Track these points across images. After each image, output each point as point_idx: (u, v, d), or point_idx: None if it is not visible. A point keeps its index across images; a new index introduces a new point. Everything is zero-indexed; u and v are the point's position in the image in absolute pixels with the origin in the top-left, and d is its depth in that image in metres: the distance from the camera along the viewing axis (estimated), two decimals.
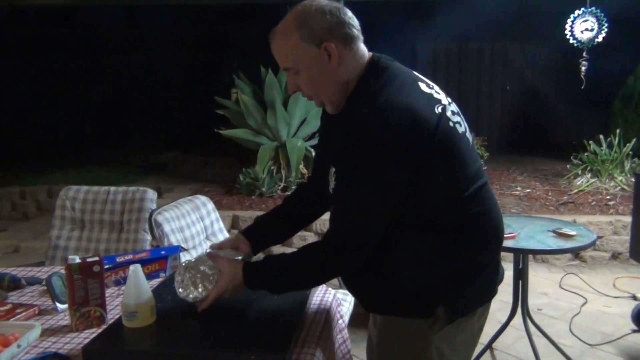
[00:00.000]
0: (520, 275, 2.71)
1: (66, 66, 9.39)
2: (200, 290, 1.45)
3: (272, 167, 5.60)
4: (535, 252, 2.70)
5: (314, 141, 6.00)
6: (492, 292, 1.48)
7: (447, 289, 1.35)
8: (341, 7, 1.35)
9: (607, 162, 5.55)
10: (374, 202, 1.27)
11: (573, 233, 2.64)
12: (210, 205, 2.65)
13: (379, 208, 1.28)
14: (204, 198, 2.67)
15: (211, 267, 1.47)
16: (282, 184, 5.50)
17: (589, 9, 4.38)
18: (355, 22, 1.36)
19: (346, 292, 2.51)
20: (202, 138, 7.75)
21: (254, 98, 5.80)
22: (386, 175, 1.26)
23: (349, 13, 1.36)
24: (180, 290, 1.48)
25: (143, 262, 1.90)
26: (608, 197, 5.14)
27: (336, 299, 1.80)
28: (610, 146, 5.63)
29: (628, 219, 4.40)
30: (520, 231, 2.71)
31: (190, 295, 1.46)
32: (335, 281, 2.94)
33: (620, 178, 5.44)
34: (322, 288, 1.81)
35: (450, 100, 1.40)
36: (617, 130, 5.74)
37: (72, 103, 9.34)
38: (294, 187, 5.51)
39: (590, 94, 5.31)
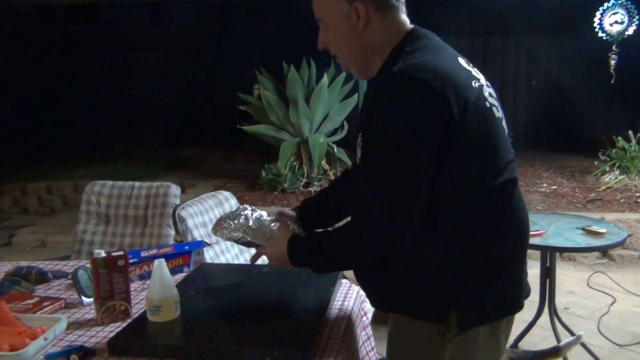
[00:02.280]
0: (548, 274, 2.66)
1: (90, 63, 9.51)
2: (238, 234, 1.50)
3: (294, 163, 5.60)
4: (564, 250, 2.64)
5: (336, 137, 5.97)
6: (516, 305, 1.35)
7: (461, 292, 1.24)
8: None
9: (637, 158, 5.41)
10: (398, 171, 1.17)
11: (603, 231, 2.57)
12: (233, 201, 2.65)
13: (402, 177, 1.17)
14: (227, 193, 2.67)
15: (263, 224, 1.51)
16: (304, 180, 5.49)
17: (619, 1, 4.26)
18: None
19: None
20: (225, 134, 7.77)
21: (276, 94, 5.80)
22: (412, 142, 1.15)
23: None
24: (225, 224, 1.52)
25: (167, 257, 1.90)
26: (637, 194, 5.02)
27: (360, 296, 1.78)
28: (639, 142, 5.49)
29: None
30: (548, 228, 2.65)
31: (233, 234, 1.51)
32: None
33: None
34: (345, 285, 1.79)
35: (488, 83, 1.33)
36: None
37: (96, 99, 9.45)
38: (315, 184, 5.50)
39: (620, 89, 5.18)
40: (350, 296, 1.72)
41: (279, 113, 5.73)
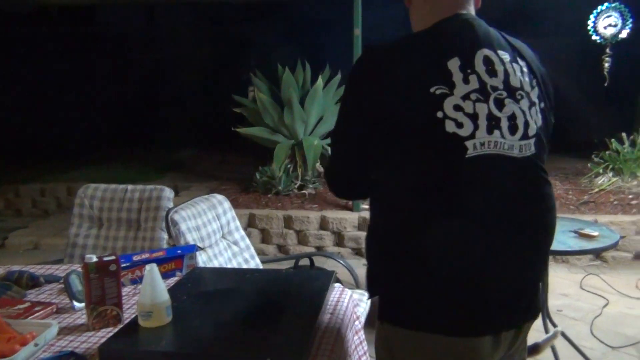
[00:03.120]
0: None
1: (85, 65, 9.49)
2: None
3: (288, 166, 5.59)
4: (556, 253, 2.65)
5: None
6: (455, 327, 1.16)
7: (385, 281, 1.24)
8: None
9: (630, 160, 5.44)
10: (339, 130, 1.30)
11: (595, 234, 2.58)
12: (227, 204, 2.65)
13: (343, 136, 1.30)
14: (220, 197, 2.66)
15: None
16: (299, 183, 5.49)
17: (613, 4, 4.29)
18: None
19: (362, 292, 2.49)
20: (219, 136, 7.77)
21: (271, 96, 5.80)
22: (344, 104, 1.28)
23: None
24: None
25: (159, 261, 1.90)
26: (630, 196, 5.04)
27: (352, 300, 1.78)
28: (633, 144, 5.51)
29: None
30: None
31: None
32: (351, 280, 2.93)
33: None
34: (338, 289, 1.79)
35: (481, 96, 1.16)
36: None
37: (90, 101, 9.44)
38: (310, 186, 5.50)
39: (613, 91, 5.21)
40: (343, 300, 1.72)
41: (274, 115, 5.73)
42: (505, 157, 1.16)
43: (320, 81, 5.65)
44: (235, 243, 2.60)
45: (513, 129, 1.17)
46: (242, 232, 2.68)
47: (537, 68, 1.28)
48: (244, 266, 2.53)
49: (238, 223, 2.68)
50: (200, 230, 2.38)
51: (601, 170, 5.58)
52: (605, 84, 4.37)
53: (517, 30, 1.42)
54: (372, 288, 1.30)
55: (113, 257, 1.57)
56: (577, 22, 4.74)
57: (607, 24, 4.39)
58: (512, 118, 1.17)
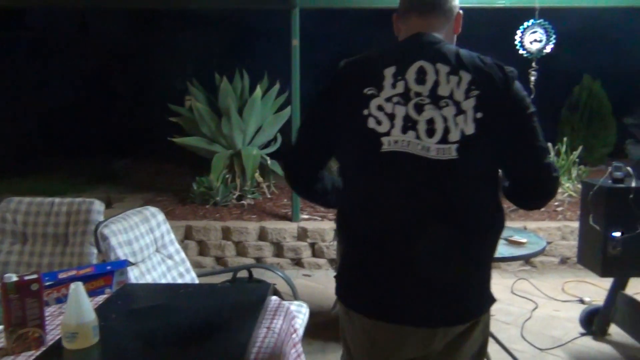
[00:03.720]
0: None
1: (12, 70, 9.04)
2: None
3: (226, 176, 5.52)
4: None
5: (270, 149, 5.95)
6: (382, 313, 1.31)
7: (340, 266, 1.45)
8: None
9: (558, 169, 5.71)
10: (302, 125, 1.47)
11: (524, 240, 2.69)
12: (161, 217, 2.57)
13: (304, 130, 1.46)
14: (153, 209, 2.58)
15: None
16: (237, 193, 5.43)
17: (538, 21, 4.50)
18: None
19: (300, 303, 2.47)
20: (155, 146, 7.59)
21: (208, 105, 5.72)
22: (312, 104, 1.44)
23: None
24: None
25: (87, 278, 1.82)
26: (556, 203, 5.29)
27: (290, 313, 1.77)
28: (558, 154, 5.80)
29: (575, 225, 4.53)
30: None
31: None
32: (290, 292, 2.90)
33: (567, 185, 5.62)
34: (275, 302, 1.77)
35: (401, 99, 1.30)
36: (564, 139, 5.93)
37: (18, 109, 8.98)
38: (249, 197, 5.45)
39: (539, 103, 5.46)
40: (279, 314, 1.70)
41: (211, 125, 5.64)
42: (417, 157, 1.26)
43: (258, 91, 5.62)
44: (170, 257, 2.53)
45: (430, 133, 1.27)
46: (177, 245, 2.60)
47: (487, 83, 1.30)
48: (179, 281, 2.46)
49: (173, 236, 2.61)
50: (132, 244, 2.29)
51: None
52: (532, 96, 4.57)
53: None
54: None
55: (35, 276, 1.48)
56: (505, 37, 4.95)
57: (532, 39, 4.59)
58: (430, 122, 1.27)
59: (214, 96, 5.80)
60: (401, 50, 1.37)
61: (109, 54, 9.22)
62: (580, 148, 5.81)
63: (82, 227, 2.51)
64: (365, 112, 1.29)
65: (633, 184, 2.64)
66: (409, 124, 1.27)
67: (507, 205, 4.43)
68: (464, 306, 1.34)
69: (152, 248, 2.44)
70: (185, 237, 4.66)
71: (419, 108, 1.27)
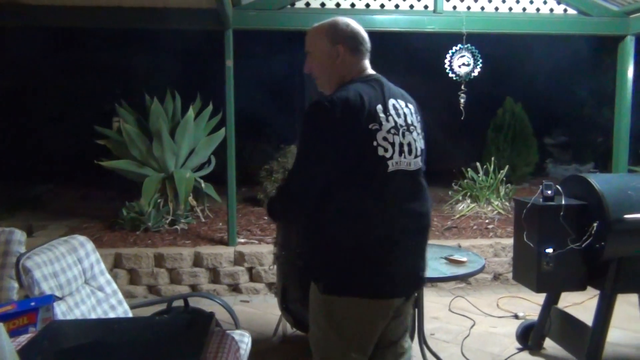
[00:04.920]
0: (416, 304, 2.74)
1: None
2: None
3: (158, 200, 5.32)
4: (432, 280, 2.75)
5: (204, 172, 5.81)
6: (376, 290, 1.71)
7: (321, 260, 1.75)
8: (361, 30, 1.85)
9: (485, 188, 5.93)
10: (299, 161, 1.71)
11: (464, 259, 2.73)
12: (89, 246, 2.40)
13: (301, 165, 1.71)
14: (82, 238, 2.41)
15: None
16: (170, 218, 5.23)
17: (465, 46, 4.68)
18: (367, 44, 1.86)
19: (242, 332, 2.38)
20: (80, 170, 7.23)
21: (138, 127, 5.53)
22: (309, 144, 1.70)
23: (366, 37, 1.86)
24: None
25: (8, 317, 1.67)
26: (487, 220, 5.47)
27: (234, 344, 1.68)
28: (486, 173, 6.02)
29: (506, 241, 4.70)
30: None
31: None
32: (230, 319, 2.79)
33: (496, 203, 5.83)
34: (219, 333, 1.68)
35: (399, 122, 1.75)
36: (492, 158, 6.17)
37: None
38: (182, 221, 5.27)
39: (467, 125, 5.66)
40: (224, 346, 1.61)
41: (142, 147, 5.44)
42: (407, 171, 1.77)
43: (191, 112, 5.50)
44: (100, 289, 2.37)
45: (410, 151, 1.78)
46: (108, 276, 2.44)
47: (417, 109, 1.89)
48: (111, 314, 2.30)
49: (103, 266, 2.44)
50: (59, 277, 2.12)
51: (461, 197, 6.02)
52: (462, 118, 4.72)
53: (380, 70, 1.86)
54: (315, 272, 1.79)
55: None
56: (435, 61, 5.11)
57: (461, 63, 4.77)
58: (409, 144, 1.78)
59: (145, 118, 5.61)
60: (374, 91, 1.74)
61: (28, 73, 8.75)
62: (507, 167, 6.06)
63: (0, 260, 2.31)
64: (375, 143, 1.67)
65: (563, 202, 2.75)
66: (401, 149, 1.73)
67: (441, 224, 4.47)
68: (421, 281, 1.96)
69: (80, 280, 2.27)
70: (115, 265, 4.42)
71: (403, 134, 1.75)
